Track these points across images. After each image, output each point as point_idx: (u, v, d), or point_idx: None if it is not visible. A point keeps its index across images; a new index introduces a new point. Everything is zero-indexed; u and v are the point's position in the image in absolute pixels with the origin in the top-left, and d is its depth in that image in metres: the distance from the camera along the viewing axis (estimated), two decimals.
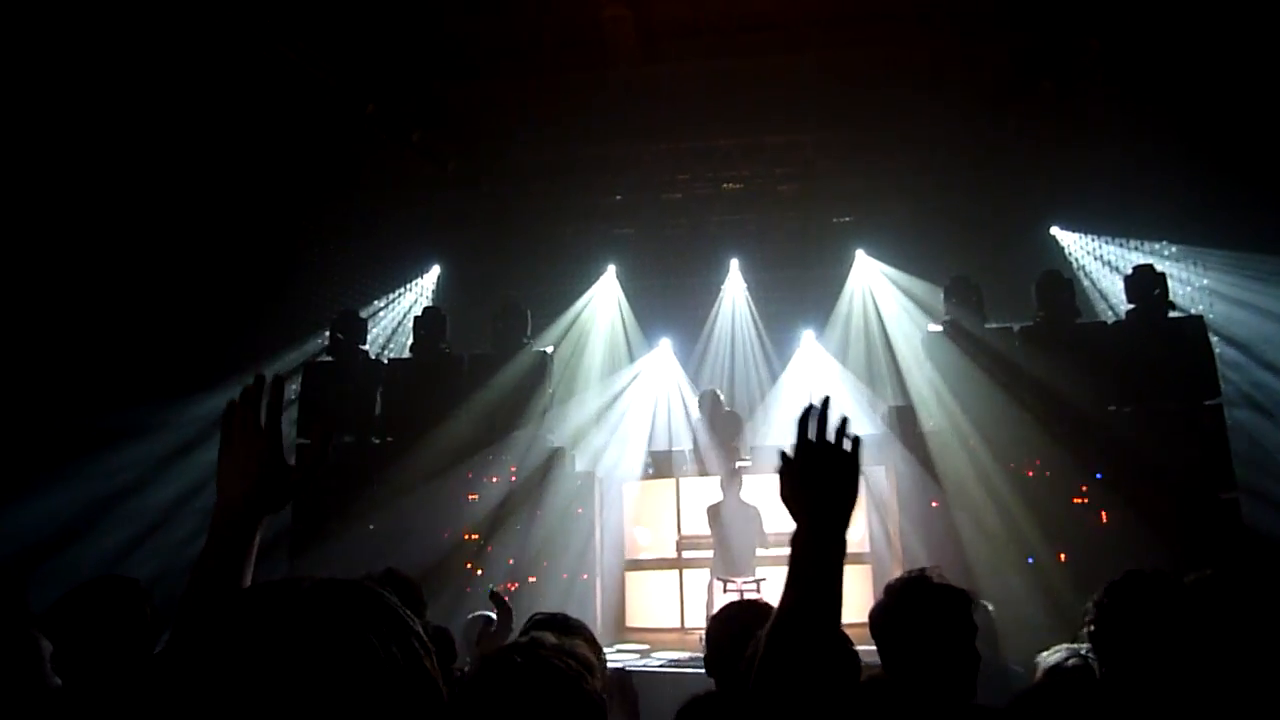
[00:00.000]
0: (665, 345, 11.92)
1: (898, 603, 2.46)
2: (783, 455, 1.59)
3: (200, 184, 9.57)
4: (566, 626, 2.84)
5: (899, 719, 2.23)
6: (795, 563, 1.49)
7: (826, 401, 1.60)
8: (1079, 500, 8.05)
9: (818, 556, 1.47)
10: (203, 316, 9.80)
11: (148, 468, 8.89)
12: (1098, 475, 8.15)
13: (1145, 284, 8.92)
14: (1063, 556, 7.82)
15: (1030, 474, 8.23)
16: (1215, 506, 7.99)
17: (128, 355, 9.10)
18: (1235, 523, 7.99)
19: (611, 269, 12.33)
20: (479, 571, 8.53)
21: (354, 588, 0.92)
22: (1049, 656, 2.84)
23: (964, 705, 2.35)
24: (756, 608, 3.13)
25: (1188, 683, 2.21)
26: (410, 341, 9.96)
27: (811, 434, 1.58)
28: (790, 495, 1.55)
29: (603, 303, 12.24)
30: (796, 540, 1.50)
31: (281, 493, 1.55)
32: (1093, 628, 2.43)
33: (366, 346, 10.03)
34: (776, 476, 1.60)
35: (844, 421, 1.59)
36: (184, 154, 9.16)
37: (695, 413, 9.98)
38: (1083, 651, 2.81)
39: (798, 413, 1.60)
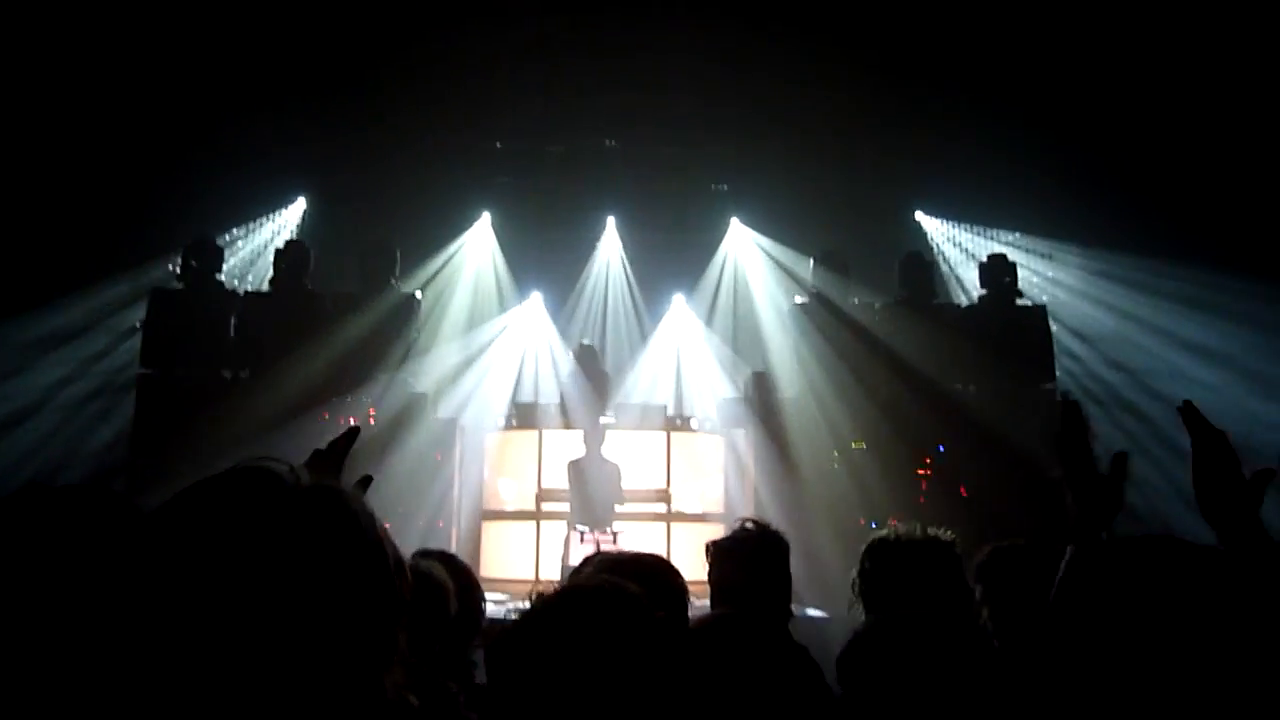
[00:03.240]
0: (536, 298, 11.82)
1: (717, 551, 2.82)
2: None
3: (49, 84, 8.87)
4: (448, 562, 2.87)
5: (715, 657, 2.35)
6: None
7: None
8: (922, 471, 8.47)
9: None
10: (45, 228, 9.14)
11: None
12: (940, 448, 8.60)
13: (997, 272, 9.40)
14: (893, 521, 8.22)
15: (878, 444, 8.60)
16: (1043, 484, 8.56)
17: None
18: (1059, 499, 8.57)
19: (486, 217, 12.10)
20: None
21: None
22: None
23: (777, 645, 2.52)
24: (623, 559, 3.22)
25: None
26: (269, 275, 9.52)
27: None
28: None
29: (475, 250, 12.02)
30: None
31: None
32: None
33: (221, 276, 9.53)
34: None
35: None
36: (34, 51, 8.47)
37: (563, 366, 9.96)
38: None
39: None
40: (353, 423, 8.64)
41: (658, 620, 1.36)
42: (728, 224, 12.16)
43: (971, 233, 11.79)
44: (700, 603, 2.68)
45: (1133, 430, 8.96)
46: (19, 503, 1.45)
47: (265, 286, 9.58)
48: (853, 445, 8.56)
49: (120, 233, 9.85)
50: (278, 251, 9.52)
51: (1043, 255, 11.18)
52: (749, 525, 2.88)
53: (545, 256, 12.25)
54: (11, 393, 8.43)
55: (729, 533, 2.94)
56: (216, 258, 9.47)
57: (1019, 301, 9.42)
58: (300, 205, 11.90)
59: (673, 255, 12.33)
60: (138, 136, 9.76)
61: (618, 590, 1.40)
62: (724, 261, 12.09)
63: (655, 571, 2.32)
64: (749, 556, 2.75)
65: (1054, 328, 9.53)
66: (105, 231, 9.78)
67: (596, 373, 9.51)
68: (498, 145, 11.98)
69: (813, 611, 6.72)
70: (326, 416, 8.67)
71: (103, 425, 9.39)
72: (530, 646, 1.32)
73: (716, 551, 2.83)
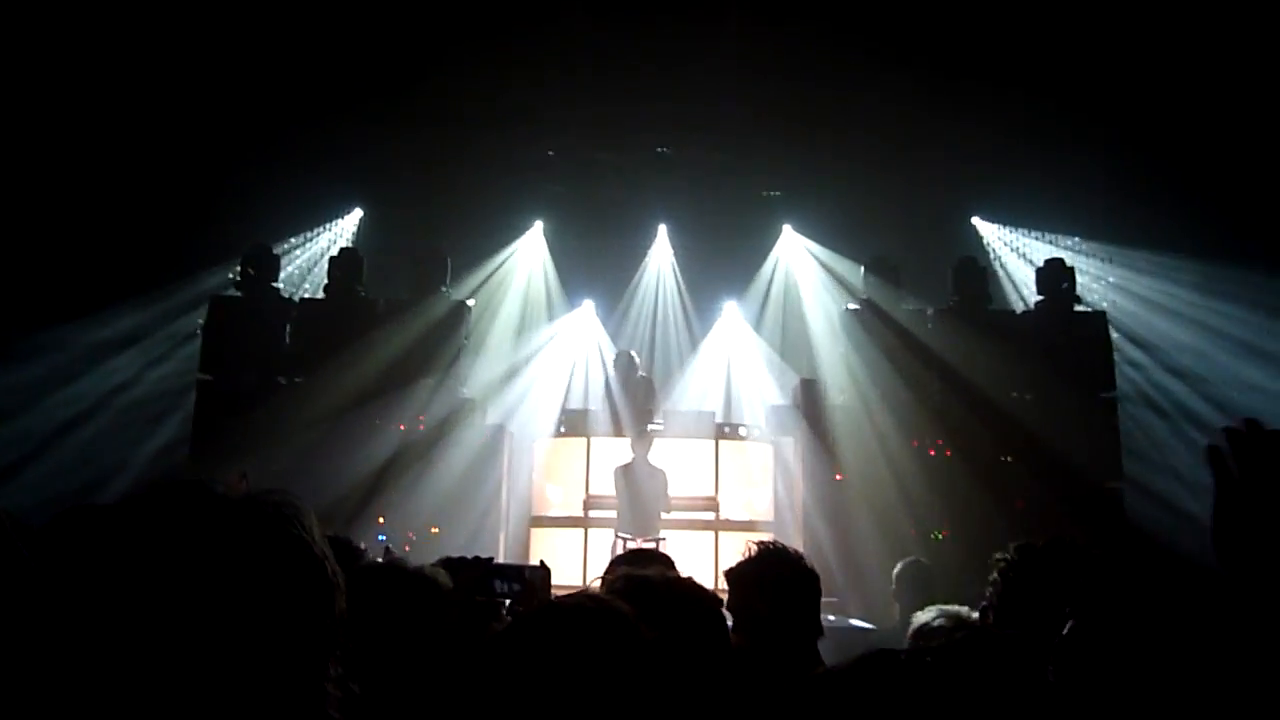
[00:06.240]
0: (588, 306, 11.85)
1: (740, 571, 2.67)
2: None
3: (116, 102, 9.16)
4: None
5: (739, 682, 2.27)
6: None
7: None
8: (976, 480, 8.29)
9: None
10: (110, 239, 9.43)
11: (26, 393, 8.53)
12: (1005, 458, 8.39)
13: (1054, 277, 9.19)
14: (945, 533, 8.07)
15: (932, 453, 8.45)
16: (1100, 494, 8.33)
17: (27, 274, 8.72)
18: (1117, 511, 8.34)
19: (539, 225, 12.18)
20: (380, 519, 8.41)
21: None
22: (920, 616, 2.90)
23: (803, 671, 2.44)
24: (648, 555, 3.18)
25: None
26: (324, 282, 9.70)
27: None
28: None
29: (527, 258, 12.10)
30: None
31: None
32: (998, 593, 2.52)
33: (278, 284, 9.73)
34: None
35: None
36: (103, 68, 8.76)
37: (612, 373, 9.96)
38: (964, 614, 2.88)
39: None
40: (401, 428, 8.80)
41: (646, 642, 1.30)
42: (779, 230, 12.08)
43: (1029, 237, 11.54)
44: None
45: (1196, 439, 8.67)
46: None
47: (320, 293, 9.77)
48: (930, 451, 8.41)
49: (182, 241, 10.11)
50: (332, 259, 9.72)
51: (1103, 260, 10.89)
52: (770, 546, 2.72)
53: (596, 263, 12.28)
54: (73, 396, 8.68)
55: (743, 557, 2.77)
56: (274, 266, 9.68)
57: (1077, 308, 9.19)
58: (357, 214, 12.10)
59: (724, 262, 12.28)
60: (199, 148, 10.02)
61: (603, 609, 1.34)
62: (774, 268, 12.01)
63: (684, 597, 2.16)
64: (764, 582, 2.62)
65: (1114, 335, 9.27)
66: (168, 240, 10.05)
67: (635, 380, 9.49)
68: (550, 153, 12.05)
69: (856, 622, 6.61)
70: (378, 422, 8.80)
71: (162, 429, 9.64)
72: (504, 666, 1.29)
73: (730, 578, 2.71)
